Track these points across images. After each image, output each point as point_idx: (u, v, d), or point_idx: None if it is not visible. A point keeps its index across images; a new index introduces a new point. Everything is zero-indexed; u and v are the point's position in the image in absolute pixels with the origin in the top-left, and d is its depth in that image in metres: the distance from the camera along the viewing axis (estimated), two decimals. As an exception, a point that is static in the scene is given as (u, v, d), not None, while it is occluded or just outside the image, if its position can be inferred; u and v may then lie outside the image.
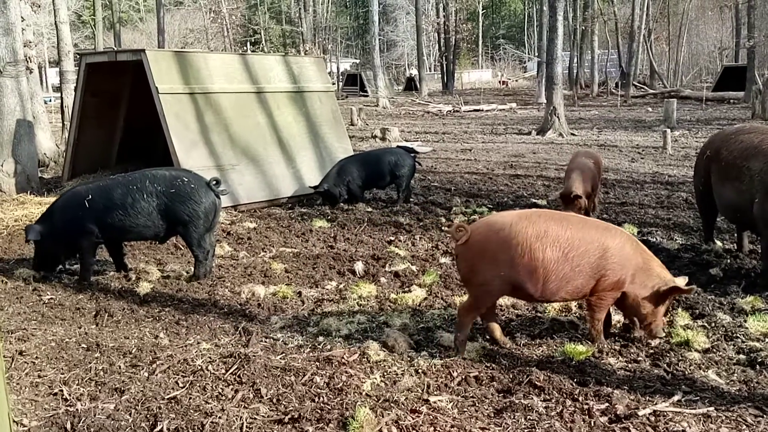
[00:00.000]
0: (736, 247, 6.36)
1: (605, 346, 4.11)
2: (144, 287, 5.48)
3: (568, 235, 3.91)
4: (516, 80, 58.12)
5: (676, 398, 3.43)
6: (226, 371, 3.84)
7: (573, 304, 4.86)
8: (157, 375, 3.83)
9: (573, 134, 18.08)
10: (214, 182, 5.72)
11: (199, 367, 3.90)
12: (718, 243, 6.52)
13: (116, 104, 10.74)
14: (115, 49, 12.38)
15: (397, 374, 3.81)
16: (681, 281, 4.13)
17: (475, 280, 4.04)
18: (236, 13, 44.75)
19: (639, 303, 4.03)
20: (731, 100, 29.45)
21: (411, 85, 47.36)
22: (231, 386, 3.68)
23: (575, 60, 40.86)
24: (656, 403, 3.38)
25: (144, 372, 3.88)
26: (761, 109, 21.40)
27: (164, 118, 8.33)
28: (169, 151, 8.36)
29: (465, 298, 5.07)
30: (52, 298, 5.28)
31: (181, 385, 3.71)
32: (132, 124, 10.87)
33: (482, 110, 28.82)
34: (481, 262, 3.95)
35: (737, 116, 22.70)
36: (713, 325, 4.48)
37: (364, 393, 3.58)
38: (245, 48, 47.16)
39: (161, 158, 9.67)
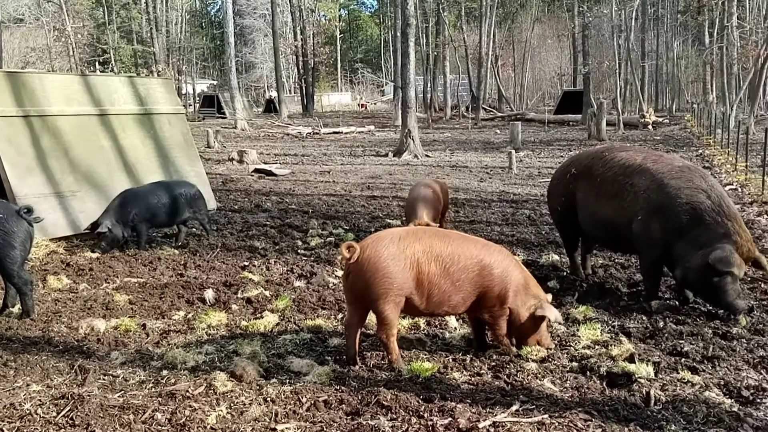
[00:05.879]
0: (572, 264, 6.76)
1: (513, 354, 4.36)
2: (-33, 327, 5.01)
3: (449, 250, 4.12)
4: (375, 103, 59.42)
5: (514, 408, 3.59)
6: (58, 414, 3.57)
7: (421, 322, 4.99)
8: (-23, 424, 3.50)
9: (427, 156, 18.70)
10: (25, 210, 5.34)
11: (28, 412, 3.61)
12: (555, 257, 6.94)
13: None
14: (-62, 67, 11.36)
15: (244, 404, 3.72)
16: (548, 299, 4.44)
17: (371, 296, 4.07)
18: (82, 32, 42.49)
19: (520, 321, 4.28)
20: (570, 122, 31.74)
21: (271, 107, 47.12)
22: (62, 430, 3.42)
23: (429, 84, 42.46)
24: (496, 415, 3.52)
25: (-38, 422, 3.53)
26: (596, 131, 23.22)
27: (-6, 142, 7.72)
28: (0, 178, 7.75)
29: (318, 321, 5.09)
30: None
31: (5, 433, 3.41)
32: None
33: (341, 132, 29.18)
34: (375, 276, 4.01)
35: (576, 137, 24.47)
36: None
37: (208, 426, 3.46)
38: (93, 68, 44.86)
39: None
